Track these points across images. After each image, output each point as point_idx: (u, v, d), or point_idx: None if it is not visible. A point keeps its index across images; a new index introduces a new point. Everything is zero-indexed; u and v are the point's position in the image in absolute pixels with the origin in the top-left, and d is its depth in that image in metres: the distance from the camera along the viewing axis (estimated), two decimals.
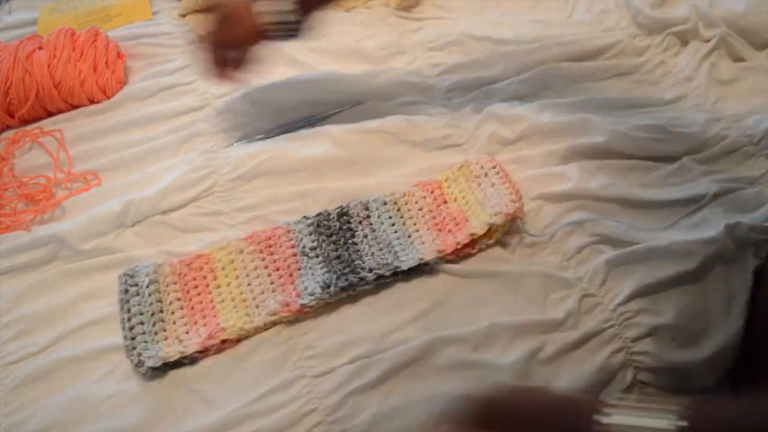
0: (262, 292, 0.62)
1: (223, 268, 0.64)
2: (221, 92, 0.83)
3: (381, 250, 0.64)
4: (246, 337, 0.59)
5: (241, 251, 0.65)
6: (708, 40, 0.82)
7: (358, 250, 0.64)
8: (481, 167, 0.69)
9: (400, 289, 0.62)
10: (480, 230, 0.63)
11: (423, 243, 0.64)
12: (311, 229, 0.66)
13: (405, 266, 0.62)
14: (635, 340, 0.57)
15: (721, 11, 0.84)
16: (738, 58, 0.81)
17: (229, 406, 0.55)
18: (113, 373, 0.58)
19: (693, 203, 0.67)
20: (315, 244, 0.64)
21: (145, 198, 0.70)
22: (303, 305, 0.60)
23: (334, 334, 0.59)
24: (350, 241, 0.65)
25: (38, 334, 0.61)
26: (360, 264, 0.62)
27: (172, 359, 0.57)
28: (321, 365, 0.57)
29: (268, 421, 0.54)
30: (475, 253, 0.64)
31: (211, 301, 0.62)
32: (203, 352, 0.58)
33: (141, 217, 0.69)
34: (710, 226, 0.63)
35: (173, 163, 0.75)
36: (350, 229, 0.66)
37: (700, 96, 0.78)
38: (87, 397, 0.56)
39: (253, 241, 0.65)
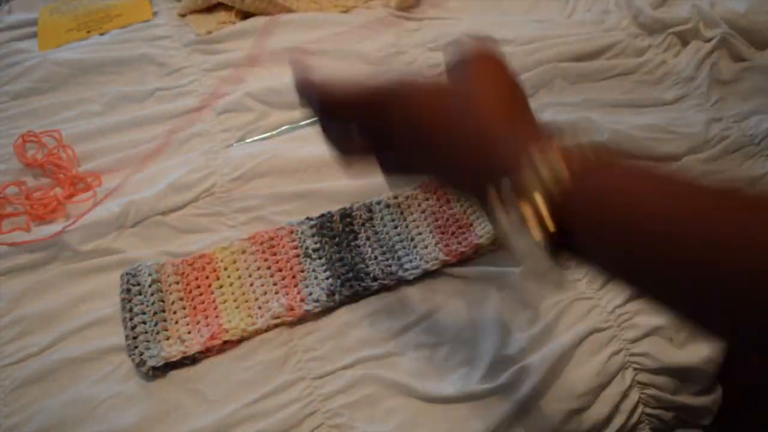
0: (265, 293, 0.62)
1: (226, 268, 0.64)
2: (220, 93, 0.83)
3: (384, 254, 0.64)
4: (247, 338, 0.60)
5: (244, 251, 0.65)
6: (709, 40, 0.82)
7: (360, 253, 0.64)
8: None
9: (403, 291, 0.62)
10: (485, 241, 0.63)
11: (426, 247, 0.64)
12: (314, 230, 0.66)
13: (409, 276, 0.62)
14: (634, 341, 0.57)
15: (722, 11, 0.84)
16: (739, 58, 0.81)
17: (229, 406, 0.55)
18: (113, 374, 0.58)
19: None
20: (318, 245, 0.64)
21: (145, 199, 0.70)
22: (307, 311, 0.60)
23: (336, 337, 0.59)
24: (353, 243, 0.65)
25: (38, 335, 0.61)
26: (363, 268, 0.62)
27: (174, 359, 0.57)
28: (322, 367, 0.57)
29: (269, 423, 0.54)
30: (477, 257, 0.64)
31: (213, 301, 0.62)
32: (204, 353, 0.59)
33: (141, 218, 0.69)
34: None
35: (173, 164, 0.75)
36: (353, 231, 0.66)
37: (701, 96, 0.78)
38: (87, 397, 0.56)
39: (255, 241, 0.66)
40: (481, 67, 0.37)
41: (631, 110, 0.78)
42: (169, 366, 0.58)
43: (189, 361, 0.58)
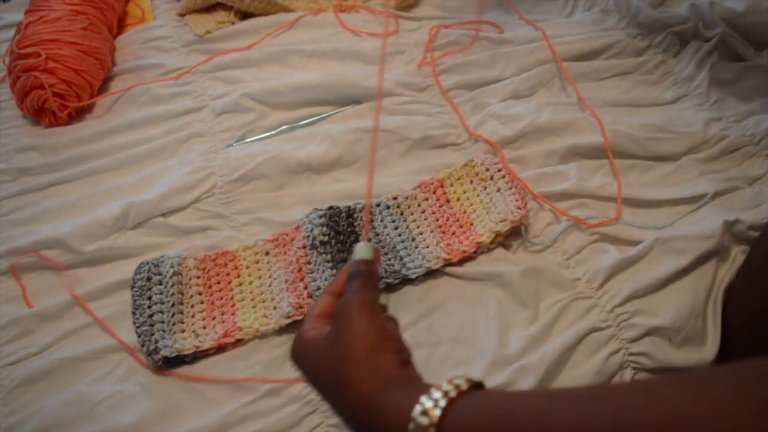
0: (279, 292, 0.62)
1: (247, 267, 0.64)
2: (219, 93, 0.83)
3: (386, 254, 0.64)
4: (260, 338, 0.60)
5: (267, 253, 0.65)
6: (708, 40, 0.82)
7: None
8: (487, 169, 0.69)
9: (402, 290, 0.62)
10: (486, 239, 0.64)
11: (427, 247, 0.64)
12: (323, 220, 0.65)
13: (413, 275, 0.62)
14: (633, 341, 0.57)
15: (721, 11, 0.83)
16: (738, 58, 0.81)
17: (228, 406, 0.55)
18: (112, 374, 0.58)
19: (693, 202, 0.67)
20: (326, 238, 0.64)
21: (145, 200, 0.70)
22: None
23: None
24: (354, 245, 0.65)
25: (37, 335, 0.61)
26: None
27: (187, 352, 0.58)
28: None
29: (268, 422, 0.54)
30: (476, 256, 0.64)
31: (232, 298, 0.62)
32: (204, 351, 0.59)
33: (141, 219, 0.69)
34: (709, 222, 0.63)
35: (172, 164, 0.75)
36: (354, 233, 0.66)
37: (700, 96, 0.78)
38: (86, 397, 0.57)
39: (279, 243, 0.66)
40: (349, 325, 0.36)
41: (630, 110, 0.78)
42: (172, 363, 0.58)
43: (189, 359, 0.58)
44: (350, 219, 0.67)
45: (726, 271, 0.61)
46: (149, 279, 0.62)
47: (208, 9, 0.95)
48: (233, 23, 0.93)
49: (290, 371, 0.57)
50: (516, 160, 0.73)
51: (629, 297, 0.59)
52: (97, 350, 0.60)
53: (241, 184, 0.72)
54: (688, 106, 0.78)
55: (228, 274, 0.64)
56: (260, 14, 0.95)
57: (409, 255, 0.64)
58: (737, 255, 0.62)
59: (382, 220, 0.67)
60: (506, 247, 0.65)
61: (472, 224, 0.66)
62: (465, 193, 0.69)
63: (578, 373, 0.55)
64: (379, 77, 0.43)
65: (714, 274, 0.60)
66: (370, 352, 0.35)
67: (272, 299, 0.62)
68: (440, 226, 0.66)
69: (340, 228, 0.66)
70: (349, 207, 0.67)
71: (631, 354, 0.57)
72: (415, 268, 0.62)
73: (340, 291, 0.41)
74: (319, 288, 0.61)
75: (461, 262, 0.64)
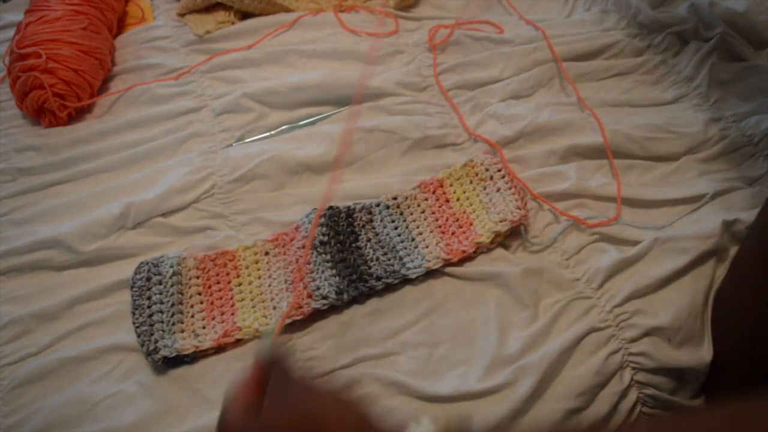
0: (279, 292, 0.62)
1: (247, 267, 0.64)
2: (219, 93, 0.83)
3: (386, 254, 0.64)
4: (259, 338, 0.60)
5: (267, 253, 0.65)
6: (708, 40, 0.82)
7: (362, 255, 0.64)
8: (486, 169, 0.69)
9: (402, 291, 0.62)
10: (486, 239, 0.64)
11: (427, 247, 0.64)
12: (323, 220, 0.65)
13: (412, 275, 0.62)
14: (632, 341, 0.57)
15: (721, 11, 0.83)
16: (738, 58, 0.81)
17: None
18: (112, 373, 0.58)
19: (692, 202, 0.67)
20: (326, 238, 0.64)
21: (145, 200, 0.70)
22: (315, 309, 0.60)
23: (334, 336, 0.59)
24: (354, 245, 0.65)
25: (37, 334, 0.61)
26: (366, 270, 0.62)
27: (186, 352, 0.58)
28: (320, 367, 0.57)
29: None
30: (476, 256, 0.64)
31: (231, 298, 0.63)
32: (203, 351, 0.59)
33: (141, 219, 0.69)
34: (708, 222, 0.63)
35: (172, 164, 0.75)
36: (354, 233, 0.66)
37: (700, 96, 0.78)
38: (86, 397, 0.57)
39: (278, 243, 0.66)
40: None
41: (629, 110, 0.78)
42: (171, 363, 0.58)
43: (188, 359, 0.59)
44: (350, 219, 0.67)
45: (724, 271, 0.61)
46: (149, 279, 0.62)
47: (208, 9, 0.95)
48: (233, 23, 0.93)
49: None
50: (516, 160, 0.73)
51: (629, 297, 0.59)
52: (96, 350, 0.60)
53: (240, 184, 0.72)
54: (687, 106, 0.78)
55: (228, 274, 0.64)
56: (260, 14, 0.95)
57: (409, 255, 0.64)
58: (730, 254, 0.62)
59: (381, 220, 0.67)
60: (506, 247, 0.65)
61: (471, 224, 0.66)
62: (464, 193, 0.69)
63: (577, 374, 0.56)
64: (359, 88, 0.42)
65: (713, 274, 0.60)
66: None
67: (272, 299, 0.62)
68: (440, 226, 0.66)
69: (339, 228, 0.66)
70: (348, 207, 0.67)
71: (630, 354, 0.57)
72: (415, 268, 0.62)
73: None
74: (318, 288, 0.61)
75: (461, 262, 0.64)
